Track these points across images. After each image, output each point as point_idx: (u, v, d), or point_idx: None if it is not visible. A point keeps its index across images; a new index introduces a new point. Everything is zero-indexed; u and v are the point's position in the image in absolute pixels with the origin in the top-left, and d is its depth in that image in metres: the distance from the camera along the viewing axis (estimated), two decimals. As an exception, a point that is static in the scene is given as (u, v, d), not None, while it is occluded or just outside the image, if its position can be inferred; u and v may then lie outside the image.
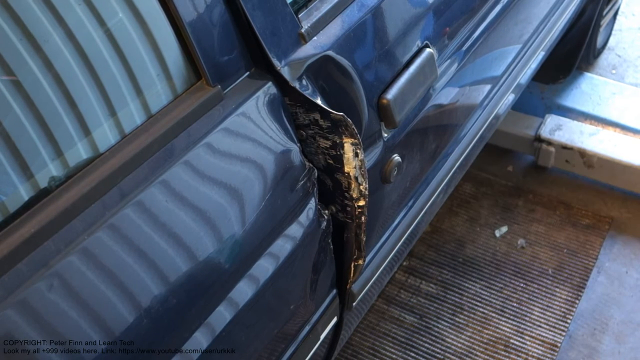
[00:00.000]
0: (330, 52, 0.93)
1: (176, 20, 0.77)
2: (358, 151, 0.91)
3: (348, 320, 1.24)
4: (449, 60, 1.23)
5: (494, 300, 1.82)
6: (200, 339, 0.79)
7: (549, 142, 2.11)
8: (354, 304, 1.17)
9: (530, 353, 1.69)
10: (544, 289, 1.84)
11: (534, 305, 1.80)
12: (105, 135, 0.73)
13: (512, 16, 1.47)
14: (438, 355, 1.71)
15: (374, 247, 1.20)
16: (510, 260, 1.92)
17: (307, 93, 0.88)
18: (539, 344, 1.71)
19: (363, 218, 0.98)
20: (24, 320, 0.62)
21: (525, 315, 1.78)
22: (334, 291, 1.10)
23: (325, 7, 0.96)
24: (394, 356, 1.72)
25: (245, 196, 0.82)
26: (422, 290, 1.86)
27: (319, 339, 1.10)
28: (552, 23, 1.79)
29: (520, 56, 1.62)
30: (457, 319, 1.79)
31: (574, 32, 2.22)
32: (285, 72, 0.87)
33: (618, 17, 2.72)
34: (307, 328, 1.05)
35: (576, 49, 2.27)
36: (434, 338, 1.75)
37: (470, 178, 2.15)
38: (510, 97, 1.67)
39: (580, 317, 1.77)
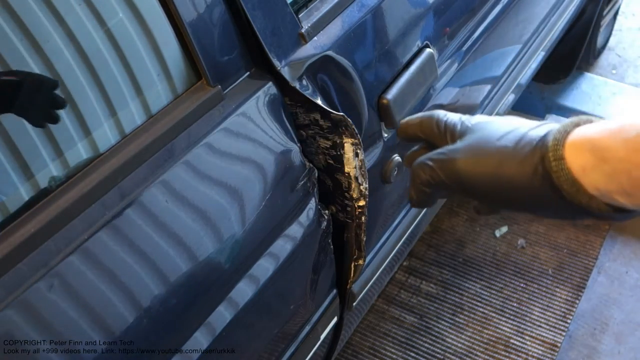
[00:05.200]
0: (330, 52, 0.93)
1: (176, 20, 0.77)
2: (358, 151, 0.91)
3: (348, 320, 1.24)
4: (449, 60, 1.23)
5: (494, 300, 1.82)
6: (200, 339, 0.79)
7: (549, 142, 2.10)
8: (354, 304, 1.17)
9: (530, 353, 1.69)
10: (544, 289, 1.84)
11: (534, 305, 1.80)
12: (105, 135, 0.73)
13: (512, 16, 1.47)
14: (438, 355, 1.71)
15: (374, 247, 1.20)
16: (510, 260, 1.92)
17: (307, 93, 0.88)
18: (539, 344, 1.71)
19: (363, 218, 0.98)
20: (24, 320, 0.62)
21: (526, 315, 1.78)
22: (334, 291, 1.10)
23: (325, 7, 0.96)
24: (394, 356, 1.72)
25: (245, 196, 0.82)
26: (422, 290, 1.86)
27: (319, 339, 1.10)
28: (552, 23, 1.79)
29: (520, 56, 1.62)
30: (457, 319, 1.79)
31: (574, 32, 2.22)
32: (285, 72, 0.87)
33: (618, 17, 2.72)
34: (307, 328, 1.05)
35: (576, 49, 2.27)
36: (434, 338, 1.75)
37: (471, 178, 2.15)
38: (510, 97, 1.67)
39: (580, 317, 1.77)
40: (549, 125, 0.55)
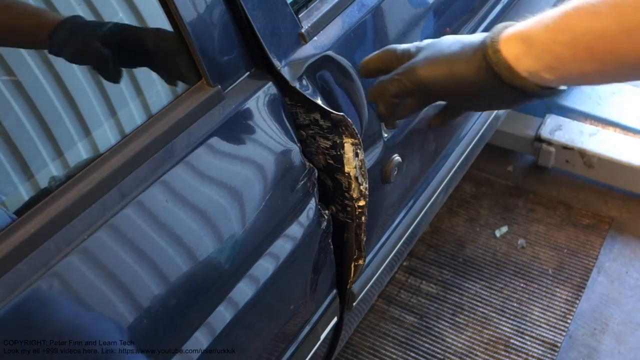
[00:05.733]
0: (330, 52, 0.93)
1: (176, 20, 0.77)
2: (358, 151, 0.91)
3: (348, 320, 1.24)
4: (449, 60, 1.23)
5: (494, 300, 1.82)
6: (200, 339, 0.79)
7: (549, 142, 2.10)
8: (354, 304, 1.17)
9: (530, 353, 1.69)
10: (544, 289, 1.84)
11: (534, 305, 1.80)
12: (105, 135, 0.73)
13: (512, 16, 1.47)
14: (438, 355, 1.71)
15: (374, 247, 1.20)
16: (511, 260, 1.92)
17: (308, 93, 0.88)
18: (539, 344, 1.71)
19: (363, 218, 0.98)
20: (23, 321, 0.62)
21: (526, 315, 1.78)
22: (334, 291, 1.10)
23: (325, 7, 0.96)
24: (394, 356, 1.72)
25: (245, 196, 0.82)
26: (422, 290, 1.86)
27: (319, 339, 1.10)
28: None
29: (520, 56, 1.62)
30: (457, 319, 1.79)
31: (574, 32, 2.22)
32: (285, 72, 0.87)
33: (618, 17, 2.72)
34: (307, 328, 1.05)
35: (576, 49, 2.27)
36: (434, 338, 1.75)
37: (470, 178, 2.15)
38: (510, 97, 1.67)
39: (580, 317, 1.77)
40: (484, 33, 0.70)
